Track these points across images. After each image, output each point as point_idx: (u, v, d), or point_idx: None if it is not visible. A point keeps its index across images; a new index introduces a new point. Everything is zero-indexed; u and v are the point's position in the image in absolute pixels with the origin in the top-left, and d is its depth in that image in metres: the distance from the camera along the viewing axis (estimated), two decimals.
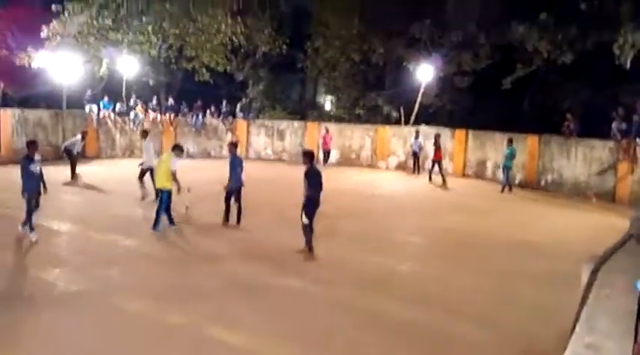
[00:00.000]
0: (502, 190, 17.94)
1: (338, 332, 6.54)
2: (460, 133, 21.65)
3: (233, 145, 11.92)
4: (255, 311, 7.09)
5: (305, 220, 9.23)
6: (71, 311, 7.03)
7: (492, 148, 20.80)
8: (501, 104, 23.31)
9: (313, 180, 9.18)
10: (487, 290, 8.22)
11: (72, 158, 16.43)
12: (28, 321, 6.54)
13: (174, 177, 10.56)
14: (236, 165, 11.37)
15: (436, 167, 19.43)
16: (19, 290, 7.59)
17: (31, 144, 9.86)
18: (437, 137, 19.84)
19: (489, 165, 20.89)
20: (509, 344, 6.36)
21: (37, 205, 9.82)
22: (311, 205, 9.21)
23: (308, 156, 9.51)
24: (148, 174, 13.59)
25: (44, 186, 10.19)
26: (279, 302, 7.49)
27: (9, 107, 21.17)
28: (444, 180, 18.97)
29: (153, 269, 8.71)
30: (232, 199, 11.41)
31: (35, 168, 9.61)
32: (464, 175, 21.32)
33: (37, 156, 9.72)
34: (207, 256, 9.46)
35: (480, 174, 21.04)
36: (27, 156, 9.64)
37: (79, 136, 17.40)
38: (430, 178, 19.44)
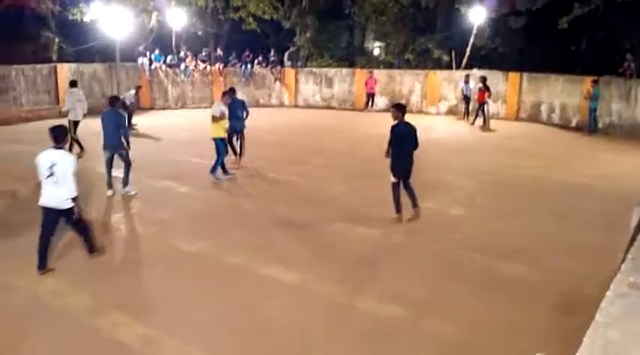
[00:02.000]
0: (589, 133, 17.74)
1: (386, 271, 6.73)
2: (514, 76, 20.99)
3: (229, 91, 11.83)
4: (305, 250, 7.37)
5: (391, 179, 8.60)
6: (135, 252, 7.49)
7: (547, 91, 20.15)
8: (557, 45, 22.37)
9: (395, 138, 8.43)
10: (537, 232, 8.21)
11: (127, 110, 16.96)
12: (97, 262, 7.00)
13: (213, 119, 10.72)
14: (234, 108, 11.71)
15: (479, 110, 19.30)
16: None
17: (114, 100, 10.15)
18: (483, 79, 19.32)
19: (544, 108, 20.27)
20: (554, 284, 6.40)
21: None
22: (392, 164, 8.52)
23: (398, 110, 8.53)
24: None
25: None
26: (329, 241, 7.74)
27: (65, 62, 21.85)
28: (484, 122, 18.98)
29: (206, 212, 9.08)
30: (235, 139, 12.18)
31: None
32: (517, 119, 20.82)
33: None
34: (258, 199, 9.77)
35: (534, 118, 20.48)
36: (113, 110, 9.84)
37: (132, 91, 18.03)
38: (474, 122, 19.44)
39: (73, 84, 14.04)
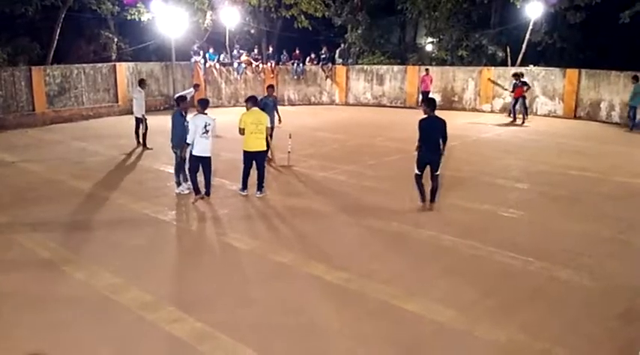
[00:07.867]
0: (631, 129, 17.42)
1: (438, 276, 6.67)
2: (572, 73, 20.34)
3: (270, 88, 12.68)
4: (355, 253, 7.39)
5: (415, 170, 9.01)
6: (189, 248, 7.68)
7: (607, 88, 19.45)
8: (618, 41, 21.50)
9: (423, 130, 8.75)
10: (597, 237, 7.96)
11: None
12: (152, 258, 7.25)
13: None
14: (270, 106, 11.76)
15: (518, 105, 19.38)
16: (141, 228, 8.34)
17: (182, 100, 10.29)
18: (520, 75, 19.35)
19: (603, 106, 19.59)
20: (613, 292, 6.20)
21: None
22: (418, 156, 8.91)
23: (429, 105, 8.92)
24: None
25: None
26: (382, 244, 7.73)
27: (123, 61, 22.54)
28: (523, 118, 19.19)
29: (258, 211, 9.21)
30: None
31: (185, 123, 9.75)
32: (575, 117, 20.19)
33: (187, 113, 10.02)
34: (309, 201, 9.84)
35: (593, 116, 19.82)
36: (179, 110, 10.02)
37: (191, 89, 18.40)
38: (515, 118, 19.37)
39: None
